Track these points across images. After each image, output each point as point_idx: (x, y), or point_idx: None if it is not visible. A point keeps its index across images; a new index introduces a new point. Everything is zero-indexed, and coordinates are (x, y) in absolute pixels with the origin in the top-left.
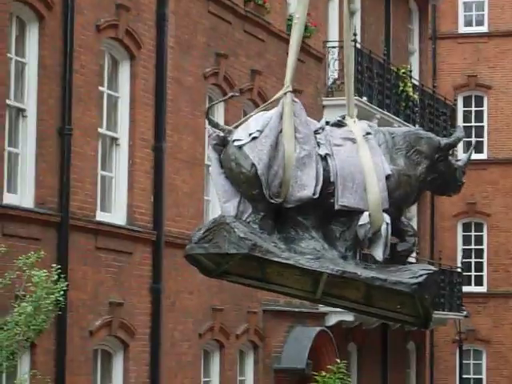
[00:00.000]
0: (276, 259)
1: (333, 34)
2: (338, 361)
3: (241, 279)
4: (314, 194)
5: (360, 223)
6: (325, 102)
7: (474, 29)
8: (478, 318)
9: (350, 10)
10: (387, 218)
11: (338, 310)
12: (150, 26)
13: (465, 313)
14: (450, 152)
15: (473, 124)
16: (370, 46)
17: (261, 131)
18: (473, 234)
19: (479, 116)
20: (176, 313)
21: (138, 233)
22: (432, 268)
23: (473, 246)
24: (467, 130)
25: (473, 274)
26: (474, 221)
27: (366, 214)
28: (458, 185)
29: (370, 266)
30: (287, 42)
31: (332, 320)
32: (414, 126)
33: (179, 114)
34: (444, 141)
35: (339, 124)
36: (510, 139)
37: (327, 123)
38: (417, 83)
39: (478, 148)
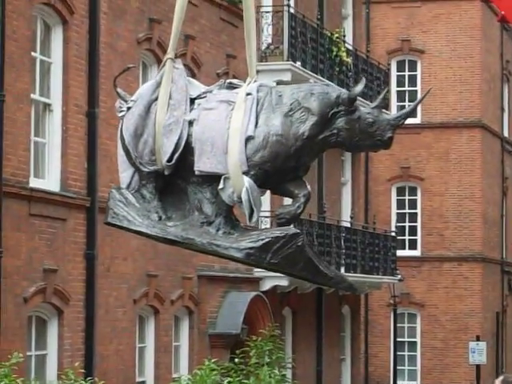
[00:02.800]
0: (131, 227)
1: None
2: (271, 325)
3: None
4: (168, 161)
5: (219, 187)
6: (259, 67)
7: None
8: (412, 281)
9: None
10: (247, 181)
11: (273, 274)
12: None
13: (399, 277)
14: (356, 106)
15: (406, 88)
16: (304, 10)
17: (135, 101)
18: (407, 198)
19: (413, 80)
20: (110, 279)
21: (71, 199)
22: (285, 231)
23: (407, 210)
24: (401, 94)
25: (407, 238)
26: (408, 185)
27: (222, 177)
28: (377, 139)
29: (228, 233)
30: (221, 6)
31: (267, 285)
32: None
33: (112, 79)
34: (343, 95)
35: (230, 86)
36: (444, 103)
37: (229, 85)
38: (350, 48)
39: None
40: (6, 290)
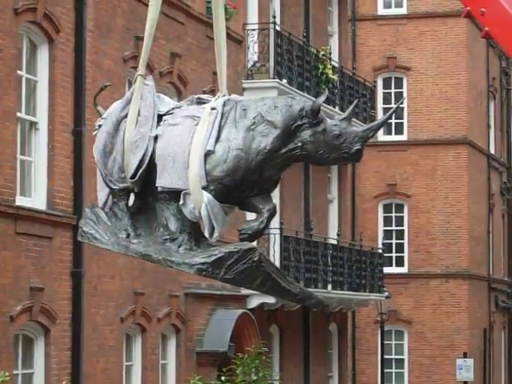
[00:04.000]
0: (98, 245)
1: (252, 16)
2: (258, 342)
3: None
4: (132, 178)
5: (180, 203)
6: (245, 85)
7: (393, 11)
8: (400, 298)
9: None
10: (206, 196)
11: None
12: (68, 9)
13: (386, 294)
14: (321, 119)
15: (393, 105)
16: (290, 28)
17: (105, 119)
18: (393, 215)
19: (399, 97)
20: (97, 297)
21: (58, 217)
22: (239, 246)
23: (394, 227)
24: (387, 111)
25: (394, 255)
26: (395, 202)
27: (182, 193)
28: (343, 152)
29: (190, 249)
30: (207, 24)
31: (254, 302)
32: (334, 108)
33: (98, 97)
34: (306, 107)
35: (199, 101)
36: (430, 120)
37: (198, 100)
38: (336, 65)
39: (398, 129)
40: None
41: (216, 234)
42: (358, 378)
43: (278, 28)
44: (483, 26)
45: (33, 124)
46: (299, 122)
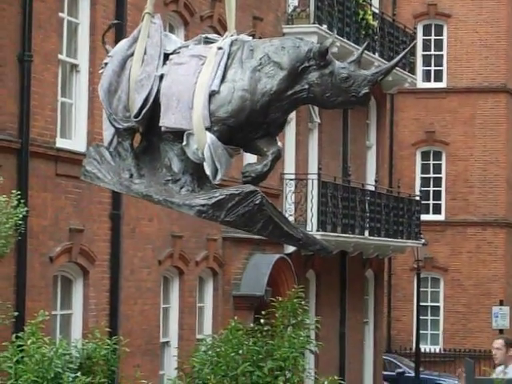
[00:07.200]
0: (100, 184)
1: None
2: (296, 286)
3: None
4: (136, 117)
5: (183, 144)
6: (285, 30)
7: None
8: (436, 246)
9: None
10: (210, 137)
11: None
12: None
13: (423, 241)
14: (328, 60)
15: (432, 52)
16: None
17: (112, 57)
18: (431, 162)
19: (439, 45)
20: (136, 239)
21: None
22: (241, 189)
23: (431, 175)
24: (427, 58)
25: (431, 202)
26: (433, 149)
27: (185, 133)
28: (351, 95)
29: (192, 191)
30: None
31: (291, 247)
32: (374, 54)
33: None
34: (314, 49)
35: (207, 41)
36: (469, 68)
37: (206, 40)
38: (377, 11)
39: (438, 76)
40: (32, 249)
41: (219, 176)
42: (393, 324)
43: None
44: None
45: (74, 66)
46: (306, 64)
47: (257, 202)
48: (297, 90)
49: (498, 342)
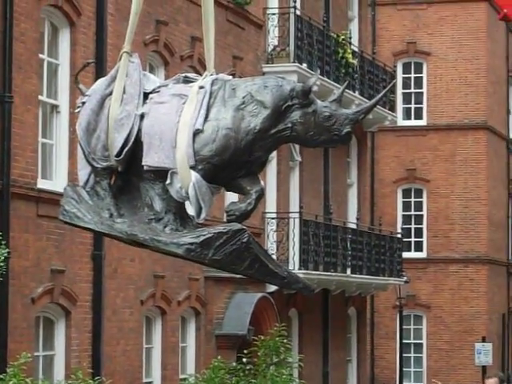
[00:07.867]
0: (80, 224)
1: (272, 0)
2: (278, 325)
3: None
4: (117, 156)
5: (167, 182)
6: (265, 69)
7: None
8: (418, 283)
9: None
10: (194, 176)
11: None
12: None
13: (405, 278)
14: (313, 100)
15: (412, 90)
16: (310, 12)
17: (89, 96)
18: (412, 200)
19: (418, 82)
20: (118, 280)
21: None
22: (229, 227)
23: (413, 212)
24: (407, 96)
25: (413, 239)
26: (414, 187)
27: (169, 172)
28: (333, 134)
29: (176, 229)
30: (226, 8)
31: (273, 286)
32: (354, 92)
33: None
34: (297, 88)
35: (186, 80)
36: (449, 105)
37: (185, 79)
38: (356, 50)
39: (418, 114)
40: (14, 290)
41: (203, 215)
42: (376, 362)
43: (298, 12)
44: (502, 8)
45: (54, 107)
46: (289, 103)
47: (244, 240)
48: (280, 129)
49: (492, 381)
